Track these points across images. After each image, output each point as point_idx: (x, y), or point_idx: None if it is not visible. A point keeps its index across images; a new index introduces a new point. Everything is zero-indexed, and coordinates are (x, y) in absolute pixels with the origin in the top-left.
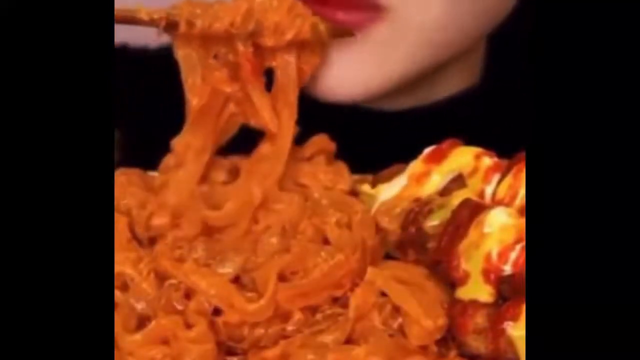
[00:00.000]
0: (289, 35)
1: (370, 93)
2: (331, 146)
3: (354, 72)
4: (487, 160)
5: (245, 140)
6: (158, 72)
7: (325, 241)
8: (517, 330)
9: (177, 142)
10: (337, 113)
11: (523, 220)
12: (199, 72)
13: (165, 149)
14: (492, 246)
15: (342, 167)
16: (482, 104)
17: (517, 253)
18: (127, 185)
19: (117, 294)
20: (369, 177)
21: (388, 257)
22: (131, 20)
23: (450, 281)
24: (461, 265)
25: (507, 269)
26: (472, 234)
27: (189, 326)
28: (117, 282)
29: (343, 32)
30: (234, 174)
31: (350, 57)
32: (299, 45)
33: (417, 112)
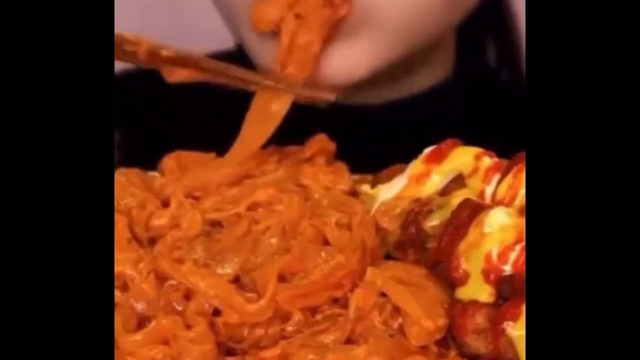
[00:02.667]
0: None
1: (352, 81)
2: (331, 146)
3: (338, 61)
4: (487, 160)
5: None
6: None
7: (325, 242)
8: (517, 330)
9: None
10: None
11: (523, 220)
12: None
13: (165, 149)
14: (492, 246)
15: (342, 168)
16: (463, 94)
17: (517, 253)
18: (127, 185)
19: (117, 294)
20: (369, 177)
21: (388, 257)
22: None
23: (450, 281)
24: (461, 265)
25: (507, 269)
26: (472, 234)
27: (188, 326)
28: (117, 282)
29: None
30: None
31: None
32: None
33: (400, 104)
